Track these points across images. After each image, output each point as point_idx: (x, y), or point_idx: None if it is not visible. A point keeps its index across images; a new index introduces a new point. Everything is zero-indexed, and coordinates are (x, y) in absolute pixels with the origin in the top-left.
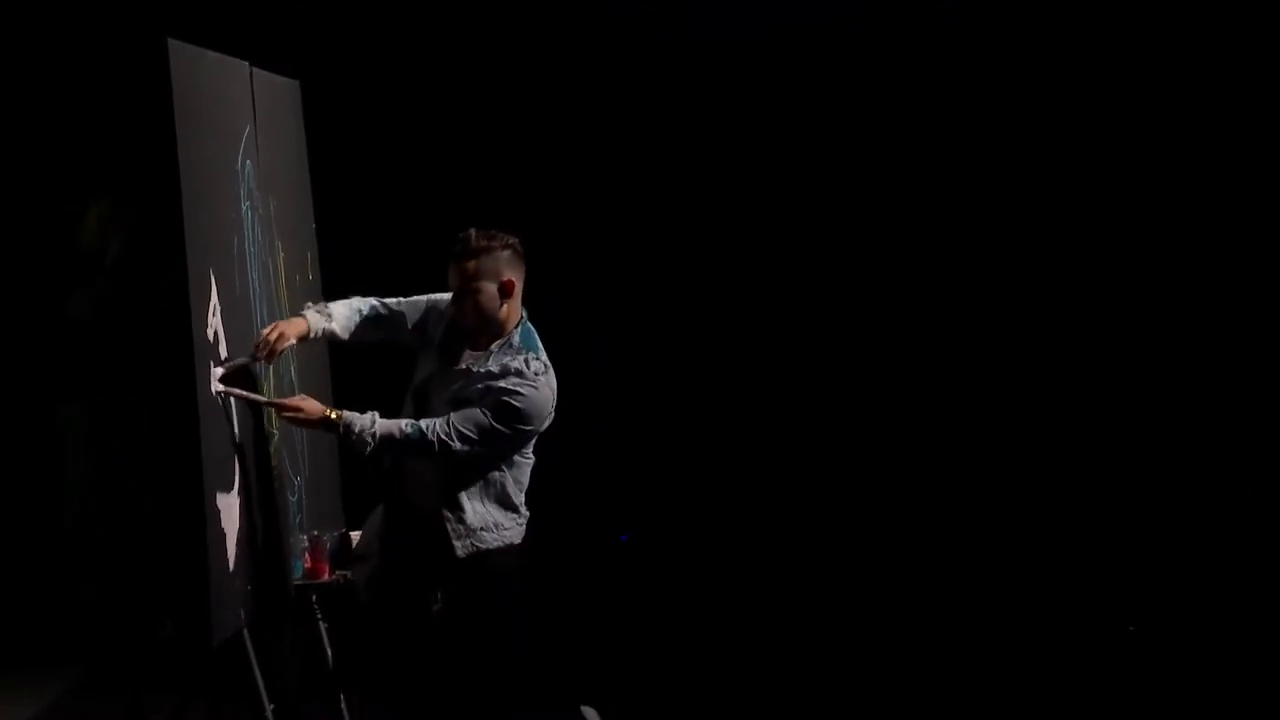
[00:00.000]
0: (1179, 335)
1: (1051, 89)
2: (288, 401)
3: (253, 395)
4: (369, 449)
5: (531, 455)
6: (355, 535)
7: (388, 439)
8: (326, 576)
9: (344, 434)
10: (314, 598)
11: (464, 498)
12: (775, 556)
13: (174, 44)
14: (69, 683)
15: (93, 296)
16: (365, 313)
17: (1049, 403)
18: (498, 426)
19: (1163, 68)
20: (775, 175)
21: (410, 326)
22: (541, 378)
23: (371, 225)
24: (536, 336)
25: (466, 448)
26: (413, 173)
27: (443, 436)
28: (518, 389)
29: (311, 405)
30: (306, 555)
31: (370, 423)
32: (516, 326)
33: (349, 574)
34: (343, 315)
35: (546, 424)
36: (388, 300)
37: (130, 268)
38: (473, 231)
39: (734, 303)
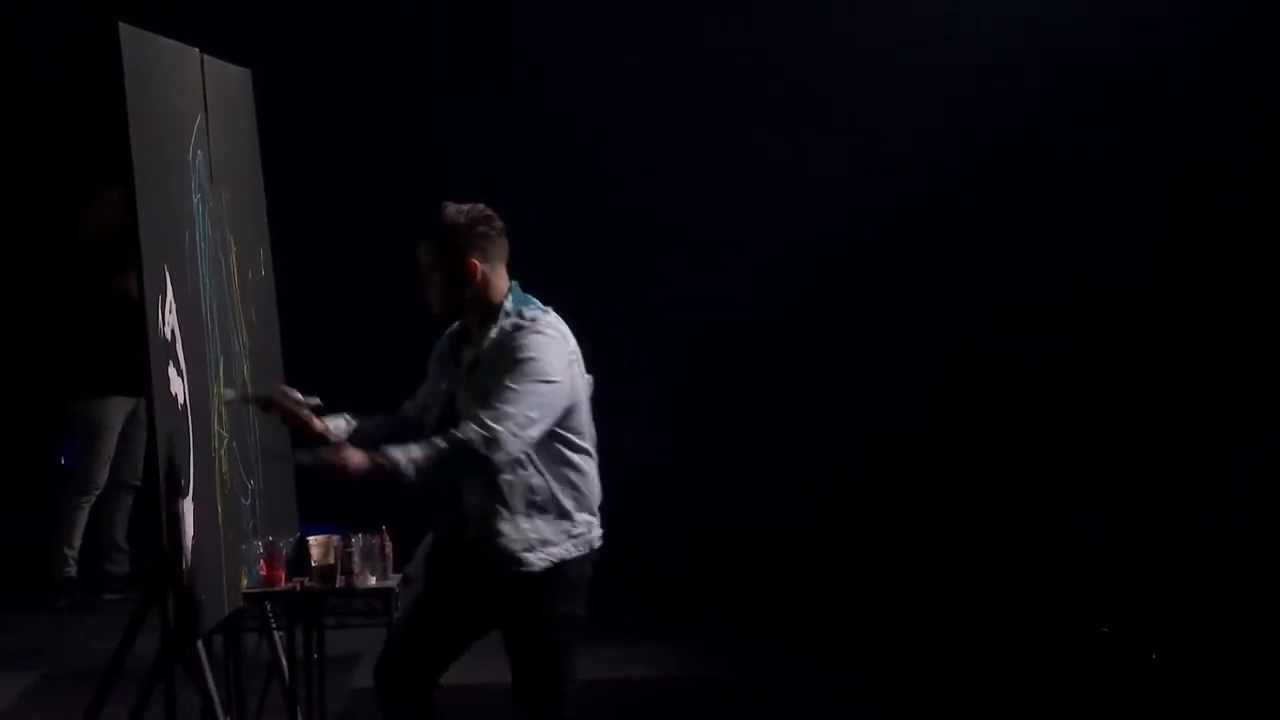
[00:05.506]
0: None
1: None
2: (334, 460)
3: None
4: (409, 477)
5: (582, 453)
6: (313, 541)
7: (428, 460)
8: (282, 584)
9: (390, 474)
10: (268, 605)
11: (499, 518)
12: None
13: (125, 29)
14: (26, 684)
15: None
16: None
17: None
18: (522, 387)
19: None
20: None
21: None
22: (542, 320)
23: (325, 220)
24: (529, 296)
25: (510, 426)
26: (368, 165)
27: (479, 431)
28: (521, 340)
29: (355, 457)
30: (261, 562)
31: (407, 455)
32: (506, 296)
33: (306, 580)
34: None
35: (579, 378)
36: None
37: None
38: (443, 207)
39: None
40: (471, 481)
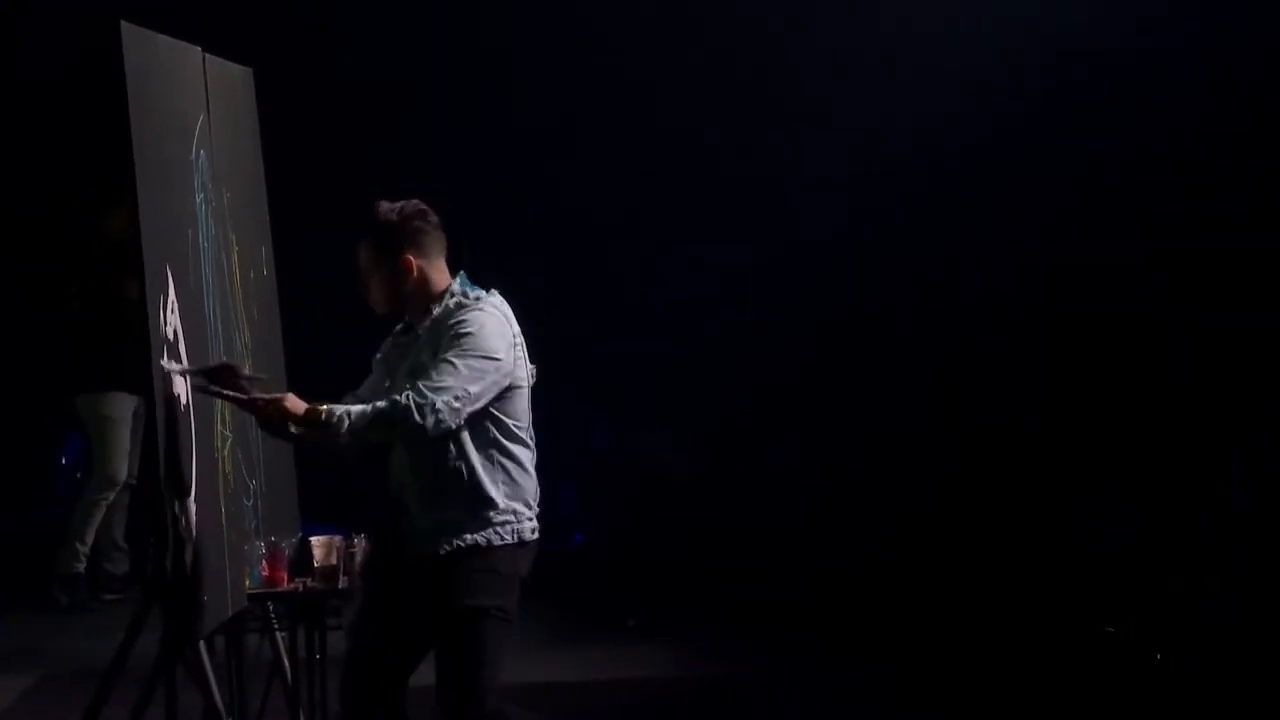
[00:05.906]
0: None
1: None
2: (271, 398)
3: (230, 393)
4: (342, 433)
5: (519, 442)
6: (315, 541)
7: (361, 418)
8: (285, 584)
9: (324, 424)
10: (271, 606)
11: (417, 496)
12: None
13: (127, 27)
14: (26, 684)
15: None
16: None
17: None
18: (461, 361)
19: None
20: None
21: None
22: (485, 300)
23: (325, 220)
24: (477, 286)
25: (447, 398)
26: (368, 165)
27: (415, 399)
28: (462, 316)
29: (293, 400)
30: (264, 562)
31: (343, 410)
32: (453, 282)
33: (309, 581)
34: None
35: (521, 365)
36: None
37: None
38: (376, 205)
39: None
40: (398, 460)
